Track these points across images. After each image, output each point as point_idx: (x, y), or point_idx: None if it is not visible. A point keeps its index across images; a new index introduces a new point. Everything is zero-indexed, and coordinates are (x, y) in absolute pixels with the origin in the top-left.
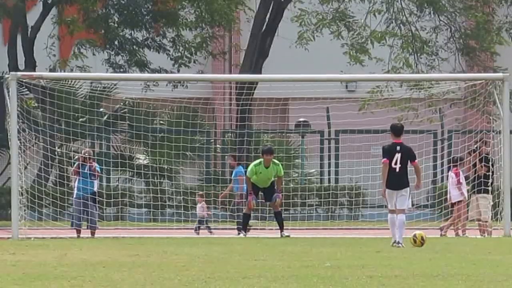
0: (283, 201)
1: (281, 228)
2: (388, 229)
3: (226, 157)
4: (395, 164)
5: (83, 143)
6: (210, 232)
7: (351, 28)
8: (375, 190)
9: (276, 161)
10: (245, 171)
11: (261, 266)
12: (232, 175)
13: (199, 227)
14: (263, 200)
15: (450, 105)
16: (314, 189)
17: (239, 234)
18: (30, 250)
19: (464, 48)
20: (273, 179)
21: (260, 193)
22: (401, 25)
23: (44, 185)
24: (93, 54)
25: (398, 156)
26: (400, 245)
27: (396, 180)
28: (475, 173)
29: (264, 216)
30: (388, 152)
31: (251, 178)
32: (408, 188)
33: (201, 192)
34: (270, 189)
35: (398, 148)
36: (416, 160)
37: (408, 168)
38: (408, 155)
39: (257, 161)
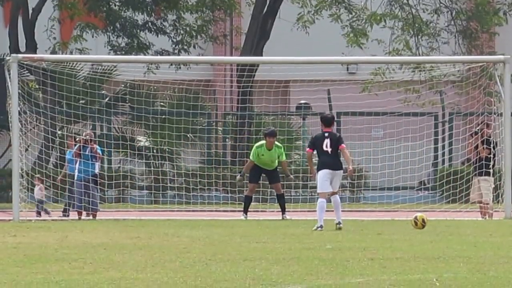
0: (284, 183)
1: (283, 210)
2: (389, 211)
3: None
4: (326, 147)
5: (84, 125)
6: (48, 213)
7: (351, 10)
8: (376, 173)
9: (279, 144)
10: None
11: (262, 248)
12: (67, 156)
13: (39, 210)
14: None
15: (451, 86)
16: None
17: (64, 215)
18: (31, 232)
19: (465, 30)
20: (276, 163)
21: (262, 174)
22: (402, 5)
23: (45, 167)
24: (93, 37)
25: (327, 140)
26: (341, 225)
27: (331, 161)
28: (477, 156)
29: (265, 198)
30: (316, 140)
31: (254, 161)
32: (341, 170)
33: (38, 175)
34: (273, 171)
35: (326, 134)
36: (343, 145)
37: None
38: (337, 141)
39: (259, 143)
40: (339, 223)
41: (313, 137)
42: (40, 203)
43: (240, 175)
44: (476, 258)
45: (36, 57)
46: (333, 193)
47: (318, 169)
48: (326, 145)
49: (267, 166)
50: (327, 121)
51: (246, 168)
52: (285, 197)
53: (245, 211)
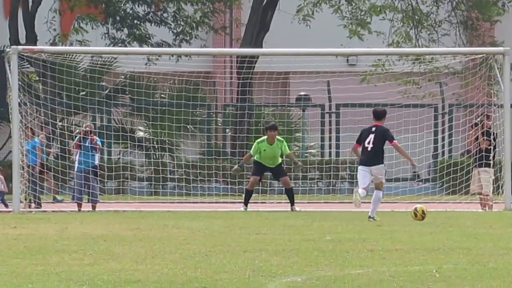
0: (292, 173)
1: (292, 202)
2: (389, 202)
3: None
4: (368, 143)
5: (84, 116)
6: (6, 205)
7: (351, 2)
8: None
9: (281, 138)
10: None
11: (262, 239)
12: (26, 147)
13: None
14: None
15: (451, 78)
16: (315, 162)
17: (30, 207)
18: (31, 223)
19: (466, 20)
20: (280, 160)
21: (267, 171)
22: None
23: (46, 159)
24: (92, 28)
25: (371, 136)
26: (371, 219)
27: (367, 157)
28: (477, 147)
29: (265, 189)
30: (363, 135)
31: (254, 156)
32: (380, 166)
33: None
34: (277, 167)
35: (373, 129)
36: (394, 140)
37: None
38: (384, 136)
39: (261, 138)
40: (370, 217)
41: (362, 130)
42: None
43: (239, 166)
44: (476, 249)
45: (36, 49)
46: (375, 186)
47: (359, 163)
48: (369, 141)
49: (270, 163)
50: (376, 114)
51: (245, 159)
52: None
53: (246, 203)
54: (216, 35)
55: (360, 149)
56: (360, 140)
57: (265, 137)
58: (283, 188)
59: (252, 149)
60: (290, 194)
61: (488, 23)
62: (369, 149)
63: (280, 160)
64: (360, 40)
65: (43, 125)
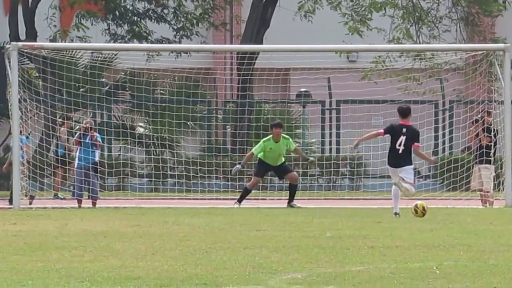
0: (304, 168)
1: (291, 198)
2: (389, 199)
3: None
4: (399, 145)
5: (85, 113)
6: None
7: None
8: (376, 161)
9: (286, 136)
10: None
11: (262, 236)
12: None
13: None
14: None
15: (452, 74)
16: (315, 159)
17: (31, 203)
18: (31, 220)
19: (467, 16)
20: (283, 159)
21: (271, 171)
22: None
23: (46, 155)
24: (92, 25)
25: (403, 138)
26: (396, 215)
27: (397, 160)
28: (478, 143)
29: (266, 186)
30: (393, 131)
31: (258, 154)
32: (409, 166)
33: None
34: (281, 166)
35: (404, 130)
36: (418, 144)
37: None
38: (414, 139)
39: (266, 137)
40: (396, 213)
41: (392, 124)
42: None
43: (241, 166)
44: (477, 246)
45: (36, 45)
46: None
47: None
48: (400, 143)
49: (274, 161)
50: (403, 112)
51: (246, 159)
52: (286, 185)
53: (240, 200)
54: (216, 32)
55: (380, 137)
56: (390, 133)
57: (270, 135)
58: (285, 184)
59: (256, 148)
60: (293, 191)
61: (489, 19)
62: (400, 151)
63: (283, 159)
64: (360, 37)
65: (65, 119)
